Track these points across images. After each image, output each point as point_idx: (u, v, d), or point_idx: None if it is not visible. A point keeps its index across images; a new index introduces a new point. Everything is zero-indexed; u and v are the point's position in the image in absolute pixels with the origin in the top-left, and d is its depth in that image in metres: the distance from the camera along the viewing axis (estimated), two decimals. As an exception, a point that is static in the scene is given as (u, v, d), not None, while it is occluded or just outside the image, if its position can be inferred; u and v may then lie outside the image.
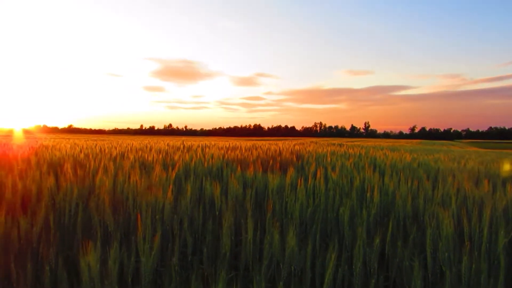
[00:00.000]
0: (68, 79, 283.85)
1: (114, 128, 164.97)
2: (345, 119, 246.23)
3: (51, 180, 2.28)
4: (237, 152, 5.19)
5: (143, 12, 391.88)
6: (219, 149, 5.96)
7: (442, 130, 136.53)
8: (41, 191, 2.30)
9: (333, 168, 3.70)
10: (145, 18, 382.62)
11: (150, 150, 5.51)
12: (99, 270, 1.33)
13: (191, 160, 3.79)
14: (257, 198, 2.70)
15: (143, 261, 1.43)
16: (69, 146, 5.97)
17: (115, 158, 4.00)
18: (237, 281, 1.66)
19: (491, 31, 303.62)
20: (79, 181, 2.45)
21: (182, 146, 6.67)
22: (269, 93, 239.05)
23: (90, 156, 3.99)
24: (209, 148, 6.29)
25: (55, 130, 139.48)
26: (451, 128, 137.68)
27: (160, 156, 4.24)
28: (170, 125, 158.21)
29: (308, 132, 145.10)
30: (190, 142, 8.99)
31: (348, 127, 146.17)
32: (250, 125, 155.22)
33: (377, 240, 1.66)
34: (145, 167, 3.50)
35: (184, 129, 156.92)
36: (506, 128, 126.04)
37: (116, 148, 5.67)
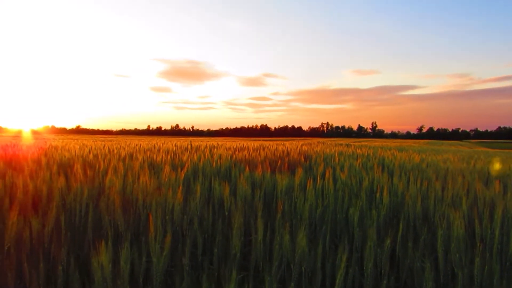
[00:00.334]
0: (76, 80, 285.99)
1: (121, 128, 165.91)
2: (352, 119, 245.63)
3: (61, 181, 2.30)
4: (245, 152, 5.20)
5: (149, 13, 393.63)
6: (226, 149, 5.97)
7: (450, 130, 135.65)
8: (51, 191, 2.32)
9: (342, 169, 3.69)
10: (152, 19, 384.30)
11: (158, 150, 5.53)
12: (111, 270, 1.34)
13: (199, 161, 3.80)
14: (265, 199, 2.70)
15: (154, 261, 1.44)
16: (78, 146, 6.01)
17: (124, 158, 4.02)
18: (248, 281, 1.66)
19: (500, 30, 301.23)
20: (89, 182, 2.47)
21: (189, 147, 6.69)
22: (276, 93, 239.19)
23: (99, 157, 4.01)
24: (216, 148, 6.30)
25: (63, 131, 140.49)
26: (459, 128, 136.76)
27: (169, 156, 4.25)
28: (177, 125, 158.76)
29: (315, 133, 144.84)
30: (197, 143, 9.01)
31: (355, 127, 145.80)
32: (256, 126, 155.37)
33: (388, 241, 1.65)
34: (153, 168, 3.52)
35: (191, 129, 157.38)
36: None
37: (124, 148, 5.70)
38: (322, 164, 3.78)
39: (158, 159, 3.94)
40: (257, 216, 1.83)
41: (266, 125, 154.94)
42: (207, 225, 2.04)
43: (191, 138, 22.55)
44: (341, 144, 11.54)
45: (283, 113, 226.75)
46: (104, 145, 6.76)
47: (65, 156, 3.96)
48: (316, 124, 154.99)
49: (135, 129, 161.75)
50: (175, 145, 7.27)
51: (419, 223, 2.18)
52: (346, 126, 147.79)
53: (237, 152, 5.21)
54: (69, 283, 1.59)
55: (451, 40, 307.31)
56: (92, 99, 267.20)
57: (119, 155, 4.31)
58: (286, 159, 4.56)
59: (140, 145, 7.25)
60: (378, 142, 20.99)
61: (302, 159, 4.70)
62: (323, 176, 2.86)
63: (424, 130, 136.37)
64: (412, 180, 2.75)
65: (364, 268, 1.60)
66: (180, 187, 2.09)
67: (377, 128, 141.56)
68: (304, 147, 7.41)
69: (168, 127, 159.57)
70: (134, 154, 4.56)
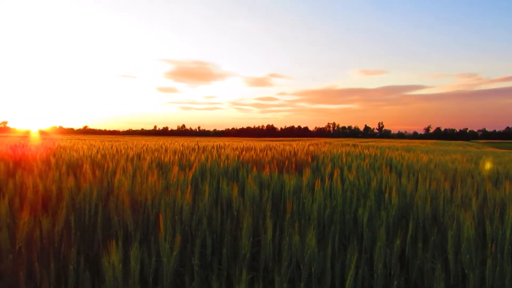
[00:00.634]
0: (83, 81, 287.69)
1: (128, 129, 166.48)
2: (359, 120, 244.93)
3: (71, 181, 2.32)
4: (252, 152, 5.20)
5: (156, 14, 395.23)
6: (233, 149, 5.98)
7: (457, 130, 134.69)
8: (61, 191, 2.33)
9: (349, 169, 3.68)
10: (158, 20, 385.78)
11: (166, 151, 5.55)
12: (122, 270, 1.35)
13: (207, 161, 3.81)
14: (273, 199, 2.70)
15: (164, 261, 1.45)
16: (85, 147, 6.05)
17: (132, 159, 4.04)
18: (258, 282, 1.66)
19: (508, 30, 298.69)
20: (98, 182, 2.49)
21: (196, 147, 6.71)
22: (282, 93, 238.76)
23: (107, 157, 4.03)
24: (223, 148, 6.31)
25: (70, 131, 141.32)
26: (467, 128, 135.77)
27: (176, 157, 4.26)
28: (184, 125, 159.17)
29: (321, 133, 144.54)
30: (204, 143, 9.03)
31: (361, 128, 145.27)
32: (263, 126, 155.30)
33: (398, 242, 1.65)
34: (161, 168, 3.53)
35: (197, 129, 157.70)
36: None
37: (132, 149, 5.72)
38: (330, 165, 3.77)
39: (166, 159, 3.96)
40: (266, 216, 1.83)
41: (272, 125, 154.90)
42: (216, 225, 2.04)
43: (197, 139, 22.62)
44: (348, 145, 11.51)
45: (289, 113, 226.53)
46: (112, 145, 6.80)
47: (73, 156, 3.98)
48: (323, 124, 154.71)
49: (142, 129, 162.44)
50: (182, 145, 7.29)
51: (428, 224, 2.17)
52: (353, 126, 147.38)
53: (244, 152, 5.21)
54: (79, 282, 1.60)
55: (458, 40, 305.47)
56: (99, 99, 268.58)
57: (127, 155, 4.33)
58: (293, 159, 4.56)
59: (147, 145, 7.28)
60: (385, 143, 20.91)
61: (309, 159, 4.70)
62: (331, 176, 2.85)
63: (431, 130, 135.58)
64: (420, 181, 2.73)
65: (375, 268, 1.59)
66: (189, 188, 2.09)
67: (383, 128, 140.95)
68: (311, 147, 7.39)
69: (175, 127, 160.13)
70: (142, 155, 4.58)
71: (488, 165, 4.30)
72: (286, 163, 4.04)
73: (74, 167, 3.36)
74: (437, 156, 6.21)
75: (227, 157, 4.27)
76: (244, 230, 1.67)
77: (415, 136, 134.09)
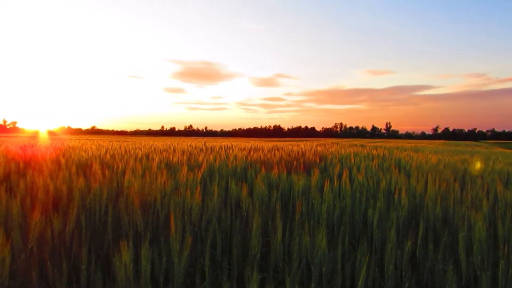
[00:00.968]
0: (91, 82, 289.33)
1: (135, 129, 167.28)
2: (366, 120, 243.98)
3: (81, 181, 2.33)
4: (260, 153, 5.20)
5: (163, 14, 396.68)
6: (241, 150, 5.98)
7: (466, 130, 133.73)
8: (71, 191, 2.35)
9: (358, 170, 3.67)
10: (166, 21, 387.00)
11: (174, 151, 5.57)
12: (133, 269, 1.36)
13: (215, 161, 3.81)
14: (282, 199, 2.70)
15: (175, 261, 1.45)
16: (94, 147, 6.09)
17: (141, 159, 4.06)
18: (269, 283, 1.66)
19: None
20: (107, 182, 2.50)
21: (204, 147, 6.72)
22: (289, 93, 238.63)
23: (116, 157, 4.06)
24: (231, 149, 6.32)
25: (78, 132, 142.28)
26: (475, 129, 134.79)
27: (185, 157, 4.28)
28: (191, 126, 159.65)
29: (328, 133, 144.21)
30: (211, 143, 9.05)
31: (369, 128, 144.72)
32: (269, 126, 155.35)
33: (409, 243, 1.64)
34: (170, 168, 3.54)
35: (204, 130, 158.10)
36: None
37: (141, 149, 5.75)
38: (338, 165, 3.76)
39: (175, 159, 3.97)
40: (276, 217, 1.83)
41: (279, 125, 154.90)
42: (225, 226, 2.05)
43: (205, 139, 22.67)
44: (356, 145, 11.47)
45: (296, 114, 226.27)
46: (120, 146, 6.84)
47: (82, 157, 4.01)
48: (330, 125, 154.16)
49: (149, 129, 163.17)
50: (190, 146, 7.31)
51: (438, 225, 2.15)
52: (360, 127, 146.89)
53: (252, 153, 5.22)
54: (90, 282, 1.61)
55: (467, 39, 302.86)
56: (107, 100, 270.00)
57: (136, 156, 4.35)
58: (302, 160, 4.55)
59: (155, 145, 7.32)
60: (392, 143, 20.79)
61: (318, 160, 4.69)
62: (339, 177, 2.85)
63: (439, 131, 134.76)
64: (430, 182, 2.72)
65: (385, 270, 1.59)
66: (198, 188, 2.10)
67: (391, 129, 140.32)
68: (319, 148, 7.38)
69: (182, 128, 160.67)
70: (150, 155, 4.60)
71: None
72: (295, 163, 4.04)
73: (83, 167, 3.38)
74: (446, 156, 6.17)
75: (235, 157, 4.28)
76: (254, 231, 1.67)
77: (423, 136, 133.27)
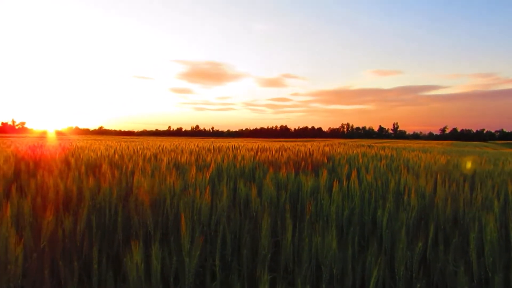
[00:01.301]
0: (98, 82, 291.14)
1: (143, 129, 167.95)
2: (373, 120, 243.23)
3: (91, 181, 2.35)
4: (267, 153, 5.20)
5: (170, 15, 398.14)
6: (248, 150, 5.98)
7: (474, 131, 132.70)
8: (81, 191, 2.37)
9: (366, 170, 3.65)
10: (173, 21, 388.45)
11: (182, 151, 5.58)
12: (144, 269, 1.36)
13: (223, 161, 3.82)
14: (290, 200, 2.70)
15: (186, 261, 1.46)
16: (102, 147, 6.12)
17: (150, 159, 4.08)
18: (280, 283, 1.66)
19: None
20: (117, 182, 2.51)
21: (212, 148, 6.73)
22: (295, 94, 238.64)
23: (125, 158, 4.08)
24: (238, 149, 6.33)
25: (86, 132, 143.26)
26: (484, 129, 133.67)
27: (193, 157, 4.29)
28: (197, 126, 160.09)
29: (335, 133, 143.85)
30: (218, 143, 9.07)
31: (376, 128, 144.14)
32: (276, 126, 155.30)
33: (420, 244, 1.63)
34: (178, 168, 3.55)
35: (211, 130, 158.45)
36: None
37: (149, 149, 5.77)
38: (346, 166, 3.75)
39: (183, 160, 3.98)
40: (285, 217, 1.83)
41: (285, 126, 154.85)
42: (235, 226, 2.05)
43: (211, 139, 22.71)
44: (363, 145, 11.42)
45: (303, 114, 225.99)
46: (128, 146, 6.87)
47: (91, 157, 4.03)
48: (336, 125, 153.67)
49: (156, 130, 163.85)
50: (197, 146, 7.33)
51: (449, 226, 2.14)
52: (367, 127, 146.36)
53: (259, 153, 5.22)
54: (101, 281, 1.62)
55: (475, 39, 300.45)
56: (114, 100, 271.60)
57: (144, 156, 4.37)
58: (309, 160, 4.54)
59: (163, 145, 7.34)
60: (400, 143, 20.69)
61: (325, 160, 4.67)
62: (348, 177, 2.84)
63: (447, 131, 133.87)
64: (439, 182, 2.70)
65: (396, 270, 1.58)
66: (208, 188, 2.11)
67: (398, 129, 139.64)
68: (326, 148, 7.36)
69: (189, 128, 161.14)
70: (159, 155, 4.61)
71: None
72: (303, 164, 4.03)
73: (92, 167, 3.40)
74: (454, 157, 6.13)
75: (243, 157, 4.28)
76: (264, 231, 1.67)
77: (430, 137, 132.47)
